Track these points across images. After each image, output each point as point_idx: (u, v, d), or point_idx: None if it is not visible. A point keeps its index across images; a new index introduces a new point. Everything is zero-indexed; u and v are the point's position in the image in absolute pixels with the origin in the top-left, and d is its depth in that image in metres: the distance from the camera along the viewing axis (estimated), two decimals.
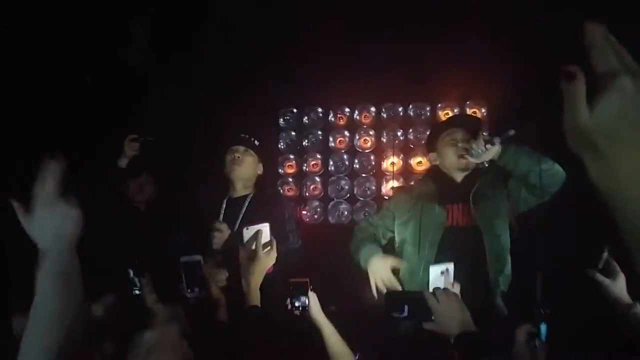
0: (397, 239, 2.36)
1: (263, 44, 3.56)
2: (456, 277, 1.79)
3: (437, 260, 2.08)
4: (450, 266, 1.87)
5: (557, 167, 2.08)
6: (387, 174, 3.80)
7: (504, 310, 2.23)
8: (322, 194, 3.89)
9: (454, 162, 2.24)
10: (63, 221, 0.97)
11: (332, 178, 3.89)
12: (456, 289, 1.81)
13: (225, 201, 2.45)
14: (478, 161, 2.16)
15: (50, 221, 0.96)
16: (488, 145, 2.07)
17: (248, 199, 2.48)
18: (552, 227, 2.71)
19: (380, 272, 2.18)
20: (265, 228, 1.62)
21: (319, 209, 3.87)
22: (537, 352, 1.40)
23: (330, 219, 3.84)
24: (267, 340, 1.36)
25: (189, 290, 1.98)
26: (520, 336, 1.44)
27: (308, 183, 3.91)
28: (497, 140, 2.07)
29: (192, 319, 2.02)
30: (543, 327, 1.48)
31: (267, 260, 1.59)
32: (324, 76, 3.61)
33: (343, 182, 3.88)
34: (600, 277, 1.57)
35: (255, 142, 2.53)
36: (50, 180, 0.97)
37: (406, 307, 1.49)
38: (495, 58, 3.29)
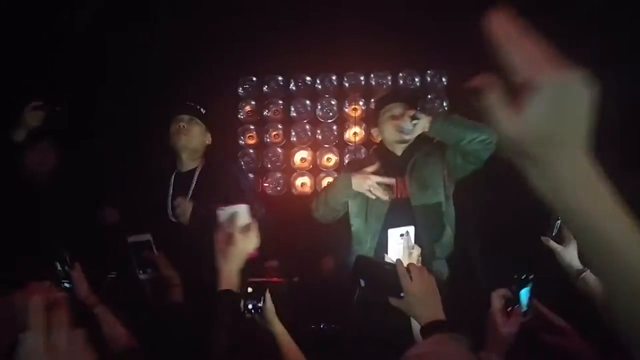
0: (349, 209, 2.40)
1: (221, 11, 3.41)
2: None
3: (384, 230, 2.11)
4: (411, 229, 1.85)
5: (489, 133, 2.10)
6: (350, 144, 3.77)
7: (443, 274, 2.31)
8: (284, 165, 3.84)
9: (391, 137, 2.32)
10: None
11: (294, 149, 3.84)
12: (415, 252, 1.80)
13: (172, 176, 2.31)
14: (411, 137, 2.23)
15: None
16: (415, 121, 2.14)
17: (197, 172, 2.34)
18: (502, 196, 2.77)
19: (366, 180, 2.17)
20: (242, 209, 1.48)
21: (281, 181, 3.82)
22: (515, 319, 1.37)
23: (292, 190, 3.80)
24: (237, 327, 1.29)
25: (140, 272, 1.88)
26: (495, 302, 1.41)
27: (269, 154, 3.85)
28: (420, 114, 2.15)
29: (146, 301, 1.93)
30: (524, 293, 1.46)
31: (246, 244, 1.42)
32: (284, 44, 3.50)
33: (305, 152, 3.83)
34: (553, 244, 1.61)
35: (202, 110, 2.38)
36: None
37: (364, 280, 1.35)
38: (456, 26, 3.27)
